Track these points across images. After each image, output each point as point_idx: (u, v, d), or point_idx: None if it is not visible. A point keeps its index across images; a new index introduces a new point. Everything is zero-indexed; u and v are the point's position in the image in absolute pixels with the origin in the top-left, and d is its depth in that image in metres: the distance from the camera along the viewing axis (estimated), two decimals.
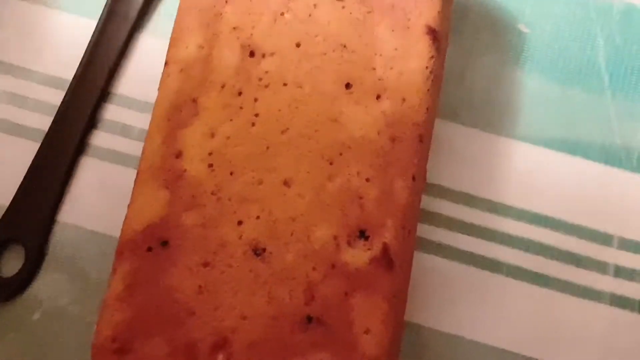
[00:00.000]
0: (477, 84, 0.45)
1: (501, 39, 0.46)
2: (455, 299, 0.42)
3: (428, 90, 0.39)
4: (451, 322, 0.42)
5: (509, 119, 0.45)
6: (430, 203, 0.43)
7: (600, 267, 0.43)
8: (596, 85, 0.45)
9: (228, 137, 0.38)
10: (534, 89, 0.45)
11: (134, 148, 0.43)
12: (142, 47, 0.45)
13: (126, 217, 0.38)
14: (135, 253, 0.37)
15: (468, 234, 0.43)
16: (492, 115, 0.45)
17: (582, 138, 0.44)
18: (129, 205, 0.38)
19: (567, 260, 0.43)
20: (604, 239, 0.43)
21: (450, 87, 0.44)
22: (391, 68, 0.39)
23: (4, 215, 0.42)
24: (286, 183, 0.38)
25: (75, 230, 0.43)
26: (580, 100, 0.45)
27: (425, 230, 0.43)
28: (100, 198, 0.43)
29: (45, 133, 0.43)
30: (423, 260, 0.42)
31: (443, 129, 0.44)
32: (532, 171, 0.44)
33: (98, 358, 0.36)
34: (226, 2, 0.40)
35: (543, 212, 0.44)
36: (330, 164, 0.38)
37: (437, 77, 0.40)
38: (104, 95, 0.44)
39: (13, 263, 0.42)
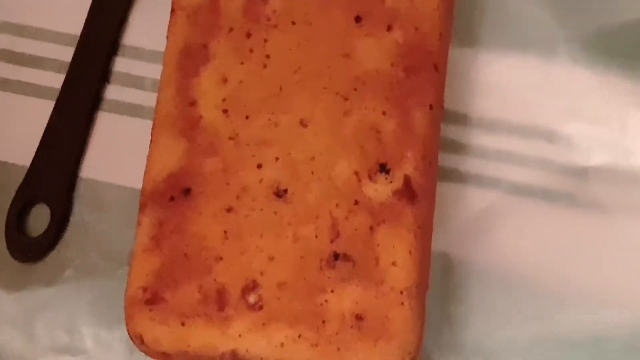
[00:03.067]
0: (489, 6, 0.44)
1: None
2: (483, 226, 0.42)
3: (439, 16, 0.38)
4: (476, 248, 0.42)
5: (520, 35, 0.44)
6: (449, 131, 0.43)
7: None
8: None
9: (241, 81, 0.38)
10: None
11: (149, 99, 0.43)
12: None
13: (146, 169, 0.38)
14: (158, 203, 0.37)
15: (491, 160, 0.43)
16: (503, 34, 0.44)
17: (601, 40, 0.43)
18: (147, 157, 0.38)
19: (595, 180, 0.42)
20: None
21: (464, 10, 0.43)
22: None
23: (25, 177, 0.42)
24: (302, 123, 0.37)
25: (99, 185, 0.43)
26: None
27: (447, 159, 0.42)
28: (120, 152, 0.43)
29: (60, 91, 0.43)
30: (446, 190, 0.42)
31: (459, 54, 0.43)
32: (552, 91, 0.43)
33: (131, 309, 0.36)
34: None
35: (566, 132, 0.43)
36: (346, 99, 0.38)
37: (448, 2, 0.39)
38: (114, 47, 0.44)
39: (39, 223, 0.42)
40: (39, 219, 0.42)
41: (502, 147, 0.43)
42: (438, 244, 0.40)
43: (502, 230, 0.42)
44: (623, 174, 0.42)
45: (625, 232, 0.42)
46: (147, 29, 0.44)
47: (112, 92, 0.44)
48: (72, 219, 0.42)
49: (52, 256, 0.42)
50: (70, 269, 0.42)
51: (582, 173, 0.42)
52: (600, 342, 0.40)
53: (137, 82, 0.44)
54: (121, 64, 0.44)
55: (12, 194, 0.42)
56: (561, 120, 0.43)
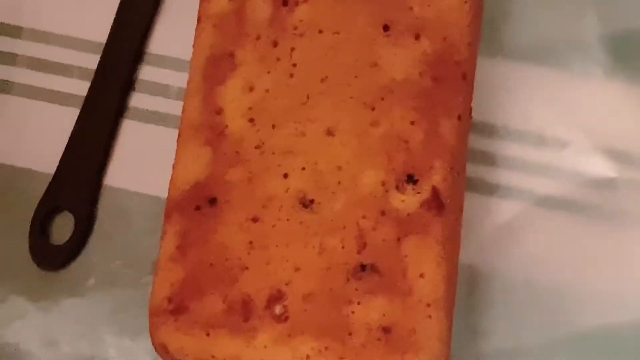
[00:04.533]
0: (518, 18, 0.43)
1: None
2: (510, 237, 0.42)
3: (468, 25, 0.38)
4: (505, 260, 0.41)
5: (559, 50, 0.43)
6: (477, 141, 0.42)
7: None
8: None
9: (267, 90, 0.38)
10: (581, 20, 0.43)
11: (174, 108, 0.43)
12: (174, 4, 0.44)
13: (172, 178, 0.38)
14: (184, 213, 0.37)
15: (518, 171, 0.42)
16: (537, 47, 0.43)
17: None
18: (173, 166, 0.38)
19: (624, 191, 0.42)
20: None
21: (493, 19, 0.43)
22: (428, 5, 0.38)
23: (50, 184, 0.42)
24: (329, 132, 0.37)
25: (123, 193, 0.43)
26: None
27: (474, 170, 0.42)
28: (144, 160, 0.43)
29: (85, 98, 0.43)
30: (473, 201, 0.42)
31: (487, 63, 0.43)
32: (581, 102, 0.43)
33: (156, 319, 0.36)
34: None
35: (594, 143, 0.42)
36: (373, 109, 0.37)
37: (476, 11, 0.39)
38: (139, 55, 0.44)
39: (63, 230, 0.42)
40: (63, 227, 0.42)
41: (530, 158, 0.42)
42: (465, 255, 0.40)
43: (529, 242, 0.42)
44: None
45: None
46: (173, 36, 0.44)
47: (137, 100, 0.44)
48: (95, 227, 0.42)
49: (76, 264, 0.42)
50: (93, 277, 0.42)
51: (610, 184, 0.42)
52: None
53: (162, 90, 0.44)
54: (146, 72, 0.44)
55: (37, 202, 0.42)
56: (589, 133, 0.42)
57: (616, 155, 0.42)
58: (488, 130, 0.43)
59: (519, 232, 0.42)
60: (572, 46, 0.43)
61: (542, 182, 0.42)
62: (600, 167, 0.42)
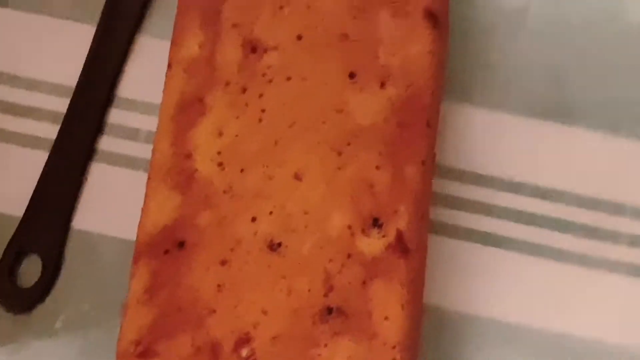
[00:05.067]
0: (481, 62, 0.45)
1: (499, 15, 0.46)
2: (472, 279, 0.42)
3: (432, 74, 0.39)
4: (469, 301, 0.42)
5: (512, 94, 0.45)
6: (441, 185, 0.43)
7: (614, 237, 0.43)
8: None
9: (236, 135, 0.38)
10: (536, 61, 0.45)
11: (143, 151, 0.43)
12: (144, 49, 0.45)
13: (140, 221, 0.38)
14: (152, 256, 0.37)
15: (481, 214, 0.43)
16: (494, 92, 0.45)
17: (585, 108, 0.44)
18: (142, 209, 0.38)
19: (581, 233, 0.43)
20: (617, 208, 0.43)
21: (454, 67, 0.44)
22: (394, 54, 0.39)
23: (18, 227, 0.42)
24: (297, 176, 0.38)
25: (91, 236, 0.43)
26: (581, 67, 0.45)
27: (438, 213, 0.43)
28: (113, 203, 0.43)
29: (54, 141, 0.43)
30: (438, 243, 0.42)
31: (449, 109, 0.44)
32: (539, 146, 0.44)
33: None
34: None
35: (554, 186, 0.44)
36: (340, 154, 0.38)
37: (440, 60, 0.40)
38: (109, 99, 0.44)
39: (31, 273, 0.42)
40: (31, 270, 0.42)
41: (494, 202, 0.43)
42: (431, 297, 0.41)
43: (494, 283, 0.42)
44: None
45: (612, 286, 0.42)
46: (143, 80, 0.45)
47: (107, 143, 0.44)
48: (63, 269, 0.42)
49: (44, 307, 0.42)
50: (61, 320, 0.41)
51: (564, 226, 0.43)
52: None
53: (131, 134, 0.44)
54: (116, 115, 0.44)
55: (4, 245, 0.42)
56: (551, 177, 0.44)
57: (565, 197, 0.43)
58: (452, 174, 0.44)
59: (482, 273, 0.43)
60: (534, 97, 0.45)
61: (505, 225, 0.43)
62: (560, 211, 0.43)
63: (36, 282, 0.42)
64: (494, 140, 0.44)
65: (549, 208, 0.43)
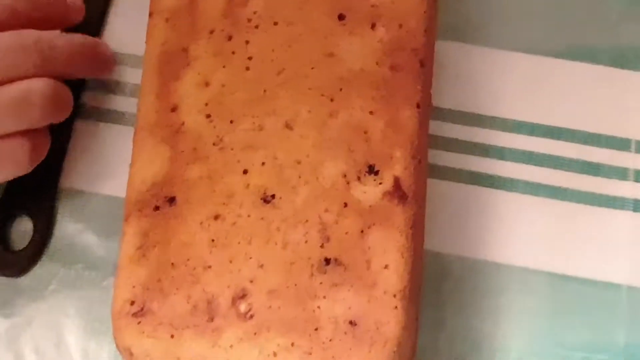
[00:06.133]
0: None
1: None
2: (473, 222, 0.41)
3: (425, 12, 0.37)
4: (471, 245, 0.41)
5: (510, 31, 0.43)
6: (439, 127, 0.42)
7: (620, 173, 0.42)
8: None
9: (223, 85, 0.37)
10: None
11: (129, 105, 0.42)
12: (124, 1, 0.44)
13: (129, 178, 0.37)
14: (143, 213, 0.36)
15: (480, 155, 0.42)
16: (491, 29, 0.43)
17: (586, 43, 0.43)
18: (130, 166, 0.37)
19: (585, 170, 0.42)
20: (621, 144, 0.42)
21: (448, 5, 0.43)
22: None
23: (6, 190, 0.41)
24: (288, 125, 0.37)
25: (81, 195, 0.42)
26: (581, 4, 0.43)
27: (437, 156, 0.42)
28: (100, 160, 0.42)
29: None
30: (437, 187, 0.41)
31: (443, 49, 0.42)
32: (539, 83, 0.43)
33: (118, 322, 0.35)
34: None
35: (554, 123, 0.42)
36: (331, 100, 0.37)
37: None
38: None
39: (22, 236, 0.41)
40: (22, 232, 0.41)
41: (494, 142, 0.42)
42: (430, 244, 0.40)
43: (496, 226, 0.41)
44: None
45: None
46: (125, 32, 0.43)
47: (92, 98, 0.43)
48: (55, 231, 0.42)
49: (37, 269, 0.41)
50: (55, 282, 0.41)
51: (567, 164, 0.42)
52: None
53: (116, 88, 0.43)
54: None
55: None
56: (551, 115, 0.42)
57: (567, 134, 0.42)
58: (448, 115, 0.42)
59: (483, 216, 0.41)
60: (515, 24, 0.43)
61: (503, 165, 0.42)
62: (553, 147, 0.42)
63: (28, 245, 0.41)
64: (491, 79, 0.43)
65: (550, 146, 0.42)
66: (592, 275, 0.41)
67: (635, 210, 0.41)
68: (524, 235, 0.41)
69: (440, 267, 0.41)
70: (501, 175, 0.42)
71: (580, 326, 0.40)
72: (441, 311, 0.40)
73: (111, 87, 0.43)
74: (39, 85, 0.37)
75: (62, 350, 0.40)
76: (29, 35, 0.38)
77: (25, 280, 0.41)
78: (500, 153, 0.42)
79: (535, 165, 0.42)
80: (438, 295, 0.40)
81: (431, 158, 0.41)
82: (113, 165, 0.41)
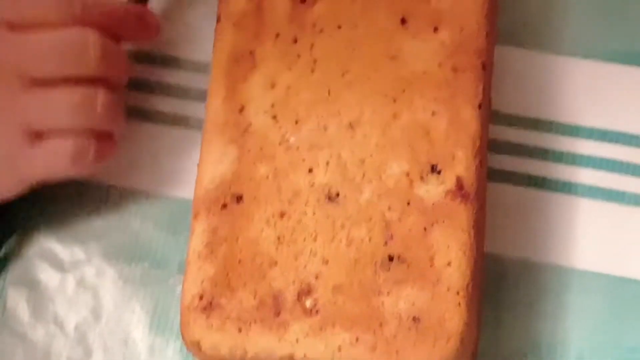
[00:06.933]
0: (533, 4, 0.44)
1: None
2: (532, 225, 0.42)
3: (485, 15, 0.38)
4: (530, 248, 0.42)
5: (569, 36, 0.44)
6: (497, 131, 0.43)
7: None
8: None
9: (289, 86, 0.38)
10: (591, 2, 0.44)
11: (194, 109, 0.43)
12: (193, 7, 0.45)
13: (197, 177, 0.38)
14: (211, 211, 0.37)
15: (538, 159, 0.42)
16: (551, 34, 0.44)
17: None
18: (198, 165, 0.38)
19: None
20: None
21: (507, 9, 0.43)
22: None
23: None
24: (352, 125, 0.38)
25: (146, 195, 0.43)
26: (638, 7, 0.44)
27: (496, 160, 0.42)
28: (166, 163, 0.43)
29: None
30: (497, 191, 0.42)
31: (503, 54, 0.43)
32: (598, 88, 0.43)
33: (187, 317, 0.36)
34: None
35: (612, 127, 0.43)
36: (394, 101, 0.38)
37: (492, 1, 0.39)
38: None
39: None
40: None
41: (553, 146, 0.43)
42: (490, 245, 0.40)
43: (554, 229, 0.42)
44: None
45: None
46: (192, 39, 0.44)
47: (156, 102, 0.44)
48: (125, 228, 0.43)
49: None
50: (121, 280, 0.42)
51: (627, 168, 0.42)
52: None
53: (181, 93, 0.44)
54: (166, 75, 0.44)
55: None
56: (610, 119, 0.43)
57: (624, 139, 0.42)
58: (506, 119, 0.43)
59: (541, 219, 0.42)
60: (587, 39, 0.44)
61: (560, 168, 0.42)
62: (610, 150, 0.42)
63: None
64: (549, 84, 0.43)
65: (608, 150, 0.43)
66: None
67: None
68: (583, 238, 0.41)
69: (501, 269, 0.41)
70: (559, 179, 0.42)
71: (638, 327, 0.40)
72: (501, 311, 0.41)
73: (174, 91, 0.44)
74: (91, 34, 0.38)
75: (129, 346, 0.41)
76: None
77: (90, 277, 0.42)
78: (559, 157, 0.42)
79: (593, 168, 0.42)
80: (498, 295, 0.41)
81: (491, 162, 0.41)
82: (178, 167, 0.42)
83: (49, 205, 0.43)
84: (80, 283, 0.42)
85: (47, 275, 0.42)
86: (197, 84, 0.43)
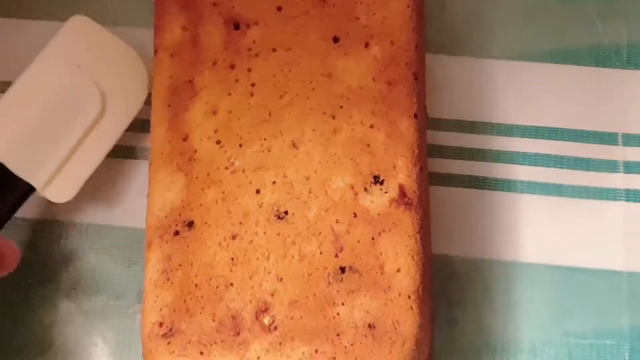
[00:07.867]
0: (459, 13, 0.45)
1: None
2: (477, 224, 0.43)
3: (413, 28, 0.40)
4: (476, 247, 0.43)
5: (493, 40, 0.45)
6: (436, 136, 0.44)
7: (610, 166, 0.44)
8: None
9: (230, 111, 0.39)
10: (513, 9, 0.46)
11: (137, 140, 0.44)
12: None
13: (148, 207, 0.39)
14: (164, 239, 0.38)
15: (476, 160, 0.44)
16: (478, 40, 0.45)
17: (569, 46, 0.45)
18: (147, 195, 0.39)
19: (577, 165, 0.44)
20: (609, 138, 0.44)
21: (434, 20, 0.45)
22: (374, 14, 0.40)
23: None
24: (294, 144, 0.39)
25: (99, 229, 0.43)
26: (559, 9, 0.46)
27: (436, 164, 0.44)
28: (117, 194, 0.44)
29: None
30: (438, 193, 0.43)
31: (435, 62, 0.45)
32: (527, 87, 0.45)
33: (149, 345, 0.37)
34: None
35: (545, 124, 0.44)
36: (333, 118, 0.39)
37: (419, 14, 0.40)
38: None
39: None
40: None
41: (489, 147, 0.44)
42: (437, 247, 0.42)
43: (498, 226, 0.43)
44: None
45: None
46: None
47: None
48: (80, 263, 0.43)
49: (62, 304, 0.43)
50: (81, 314, 0.42)
51: (560, 161, 0.44)
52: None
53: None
54: None
55: None
56: (541, 116, 0.45)
57: (557, 134, 0.44)
58: (442, 124, 0.45)
59: (484, 217, 0.43)
60: (498, 33, 0.45)
61: (499, 167, 0.44)
62: (545, 146, 0.44)
63: None
64: (480, 87, 0.45)
65: (542, 146, 0.44)
66: (592, 265, 0.43)
67: (627, 200, 0.43)
68: (526, 232, 0.43)
69: (449, 269, 0.43)
70: (499, 178, 0.44)
71: (586, 314, 0.42)
72: (453, 310, 0.42)
73: None
74: None
75: None
76: None
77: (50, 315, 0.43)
78: (497, 156, 0.44)
79: (530, 165, 0.44)
80: (449, 295, 0.42)
81: (432, 166, 0.42)
82: (128, 198, 0.42)
83: None
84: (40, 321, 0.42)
85: None
86: (140, 115, 0.44)
